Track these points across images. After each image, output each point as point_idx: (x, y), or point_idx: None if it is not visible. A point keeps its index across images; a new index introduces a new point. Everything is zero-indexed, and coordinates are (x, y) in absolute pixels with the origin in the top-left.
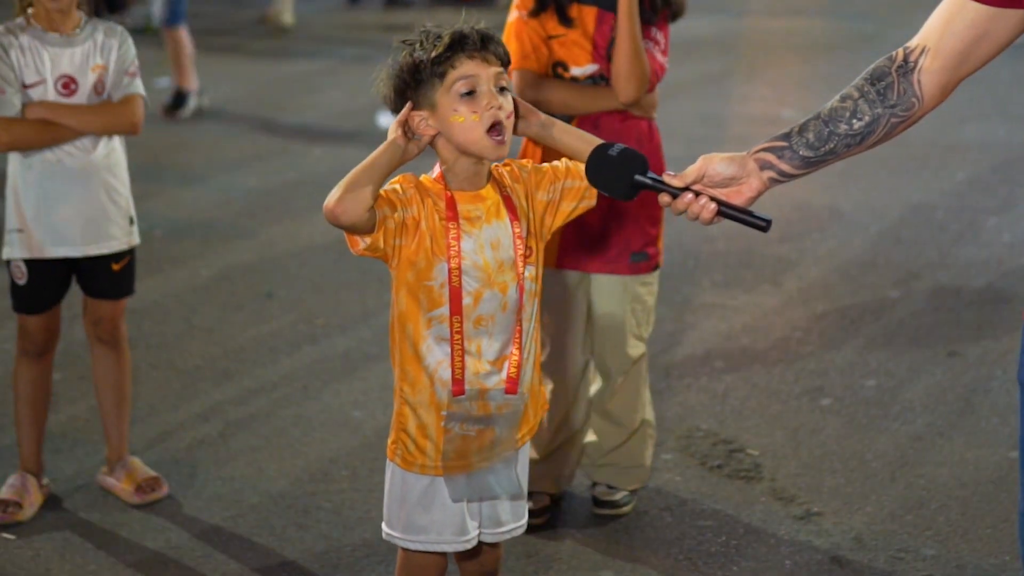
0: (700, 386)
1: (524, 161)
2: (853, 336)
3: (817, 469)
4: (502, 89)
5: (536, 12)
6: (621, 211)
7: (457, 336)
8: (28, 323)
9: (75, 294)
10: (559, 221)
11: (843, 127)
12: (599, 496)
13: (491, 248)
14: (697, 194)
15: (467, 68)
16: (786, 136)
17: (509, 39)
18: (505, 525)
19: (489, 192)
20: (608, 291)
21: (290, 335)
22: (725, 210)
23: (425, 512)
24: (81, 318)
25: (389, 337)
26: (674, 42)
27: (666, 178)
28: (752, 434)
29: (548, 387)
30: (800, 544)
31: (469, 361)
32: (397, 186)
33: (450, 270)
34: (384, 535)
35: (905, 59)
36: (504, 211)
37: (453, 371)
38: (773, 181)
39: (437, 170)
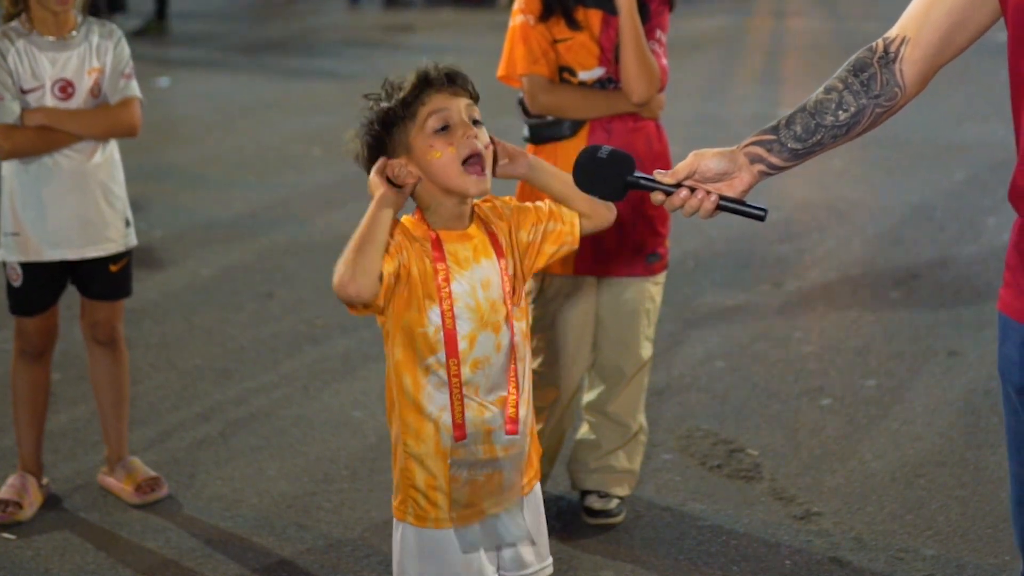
0: (700, 386)
1: (507, 198)
2: (853, 336)
3: (817, 469)
4: (475, 122)
5: (544, 17)
6: (635, 213)
7: (455, 380)
8: (25, 325)
9: (75, 294)
10: (540, 263)
11: (829, 119)
12: (592, 506)
13: (482, 288)
14: (692, 190)
15: (437, 102)
16: (774, 129)
17: (515, 44)
18: (529, 567)
19: (475, 231)
20: (624, 294)
21: (290, 335)
22: (724, 203)
23: (444, 566)
24: (79, 319)
25: (386, 393)
26: (674, 42)
27: (658, 176)
28: (752, 434)
29: (549, 394)
30: (800, 544)
31: (469, 404)
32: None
33: (443, 313)
34: None
35: (886, 50)
36: (491, 249)
37: (454, 416)
38: (763, 174)
39: (415, 211)
